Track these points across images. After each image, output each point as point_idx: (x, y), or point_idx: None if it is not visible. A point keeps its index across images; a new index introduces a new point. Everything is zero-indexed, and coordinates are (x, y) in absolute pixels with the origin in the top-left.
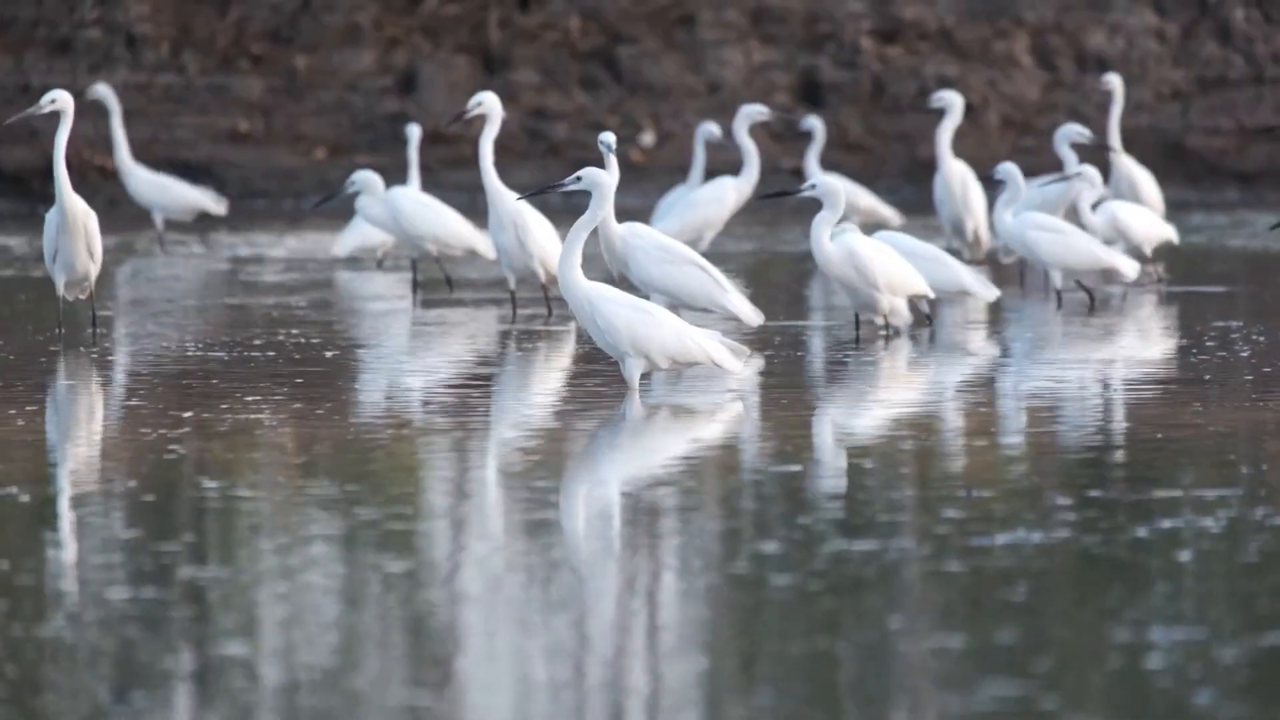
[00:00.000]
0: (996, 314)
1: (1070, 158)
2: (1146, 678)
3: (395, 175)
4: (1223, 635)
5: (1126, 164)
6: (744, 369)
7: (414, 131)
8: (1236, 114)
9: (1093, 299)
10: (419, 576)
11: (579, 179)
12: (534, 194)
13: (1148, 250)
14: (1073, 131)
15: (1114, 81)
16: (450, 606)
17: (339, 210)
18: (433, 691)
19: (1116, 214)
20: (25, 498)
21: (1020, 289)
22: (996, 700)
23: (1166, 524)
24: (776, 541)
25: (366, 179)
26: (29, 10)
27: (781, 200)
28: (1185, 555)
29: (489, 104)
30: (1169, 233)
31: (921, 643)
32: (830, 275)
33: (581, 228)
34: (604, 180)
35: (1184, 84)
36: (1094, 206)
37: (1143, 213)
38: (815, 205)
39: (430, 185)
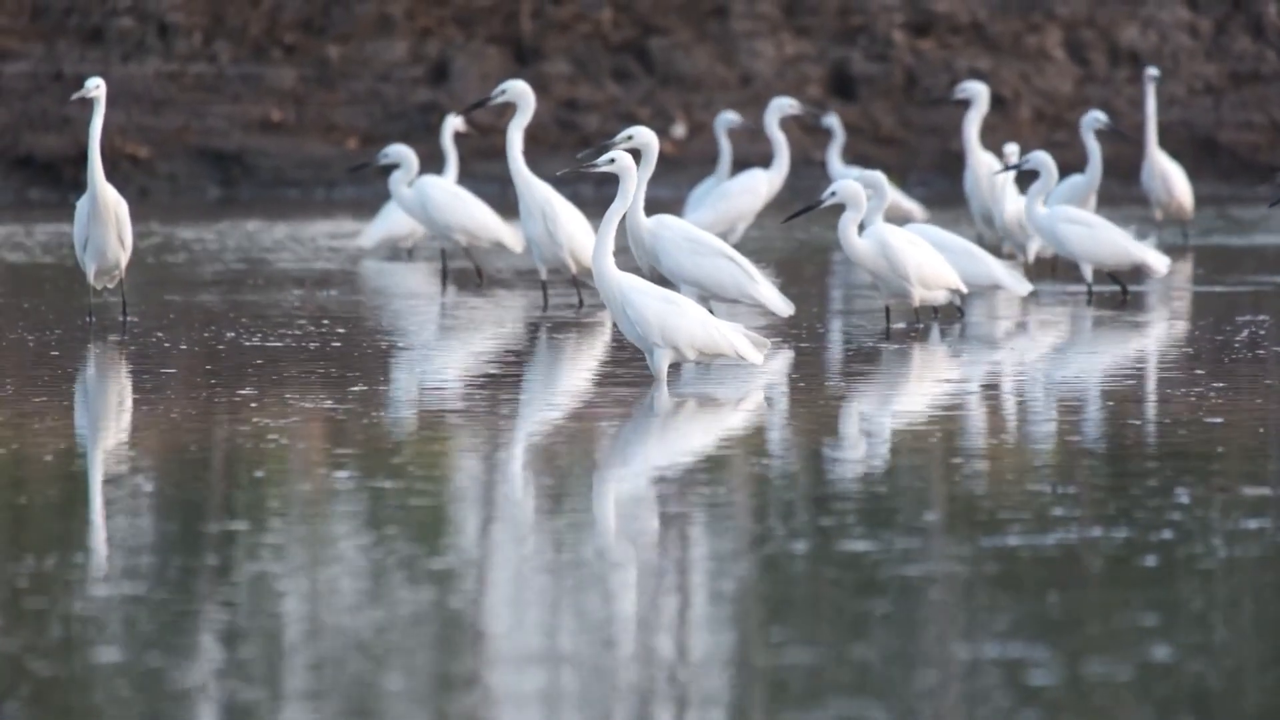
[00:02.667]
0: (1028, 307)
1: (1094, 146)
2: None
3: (427, 164)
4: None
5: (1160, 158)
6: (765, 361)
7: (451, 121)
8: (1269, 109)
9: (1125, 290)
10: (448, 566)
11: (612, 160)
12: (566, 174)
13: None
14: (1093, 119)
15: (1152, 74)
16: (478, 597)
17: (369, 200)
18: (458, 683)
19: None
20: (56, 488)
21: (1052, 281)
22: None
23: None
24: (804, 538)
25: (401, 152)
26: None
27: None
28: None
29: (514, 91)
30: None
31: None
32: (864, 268)
33: (612, 216)
34: (630, 165)
35: (1216, 79)
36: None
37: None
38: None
39: (461, 175)
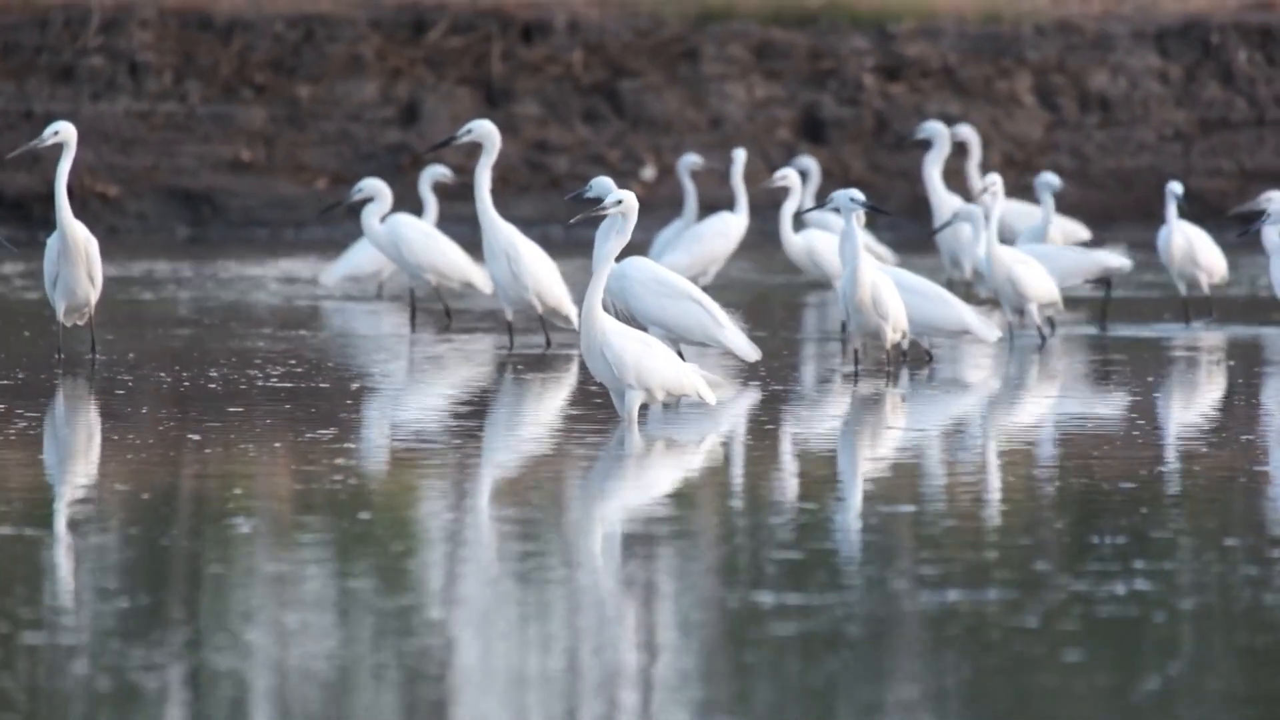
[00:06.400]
0: (996, 351)
1: (1049, 203)
2: None
3: (398, 206)
4: None
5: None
6: (719, 402)
7: (432, 171)
8: (1238, 156)
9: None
10: (413, 612)
11: (619, 201)
12: (579, 221)
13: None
14: (1046, 182)
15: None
16: (444, 645)
17: (339, 240)
18: None
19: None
20: (21, 530)
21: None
22: None
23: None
24: (778, 585)
25: (375, 186)
26: (32, 36)
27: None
28: None
29: (480, 131)
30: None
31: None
32: (852, 301)
33: (609, 255)
34: (635, 206)
35: (1186, 125)
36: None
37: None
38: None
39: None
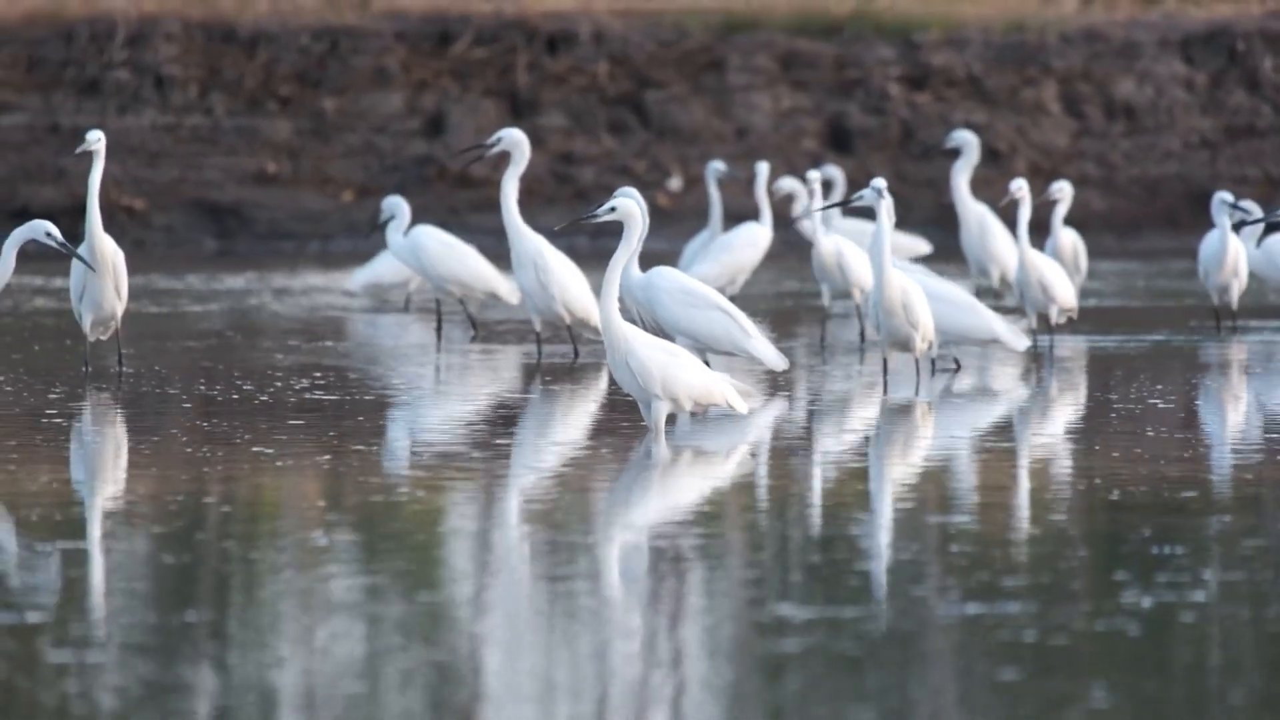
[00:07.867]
0: (1025, 360)
1: (1059, 229)
2: None
3: (422, 218)
4: None
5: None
6: (750, 412)
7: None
8: (1264, 163)
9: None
10: (444, 624)
11: (613, 209)
12: (567, 227)
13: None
14: (1053, 187)
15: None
16: (472, 654)
17: (365, 252)
18: None
19: (844, 253)
20: (50, 543)
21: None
22: None
23: None
24: (806, 600)
25: (394, 204)
26: (58, 50)
27: (808, 242)
28: None
29: (510, 140)
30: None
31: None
32: (883, 305)
33: (616, 263)
34: (634, 210)
35: (1212, 133)
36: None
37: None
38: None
39: (456, 228)
